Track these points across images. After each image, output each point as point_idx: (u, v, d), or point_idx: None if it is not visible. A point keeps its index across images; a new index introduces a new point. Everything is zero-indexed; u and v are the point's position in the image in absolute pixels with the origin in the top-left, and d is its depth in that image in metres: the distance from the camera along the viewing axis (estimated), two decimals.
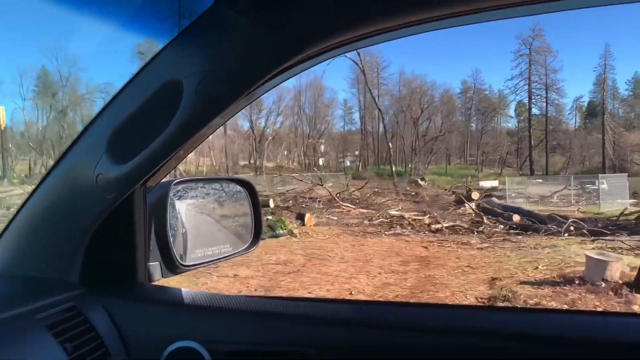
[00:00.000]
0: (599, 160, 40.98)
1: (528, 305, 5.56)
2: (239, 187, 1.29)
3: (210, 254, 1.18)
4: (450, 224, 12.68)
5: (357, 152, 48.96)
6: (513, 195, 21.52)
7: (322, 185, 18.15)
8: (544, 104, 44.03)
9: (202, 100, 0.84)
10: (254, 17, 0.81)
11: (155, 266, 1.09)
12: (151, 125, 0.88)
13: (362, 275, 7.50)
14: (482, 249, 9.69)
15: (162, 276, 1.10)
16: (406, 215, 13.69)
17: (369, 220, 13.81)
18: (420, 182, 28.55)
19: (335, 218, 14.85)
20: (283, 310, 1.01)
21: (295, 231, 11.47)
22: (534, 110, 44.52)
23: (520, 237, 10.81)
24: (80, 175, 0.96)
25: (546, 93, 43.26)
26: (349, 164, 47.13)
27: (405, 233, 11.88)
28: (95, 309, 0.97)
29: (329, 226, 13.12)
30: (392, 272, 7.69)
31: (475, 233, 11.58)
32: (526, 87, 44.34)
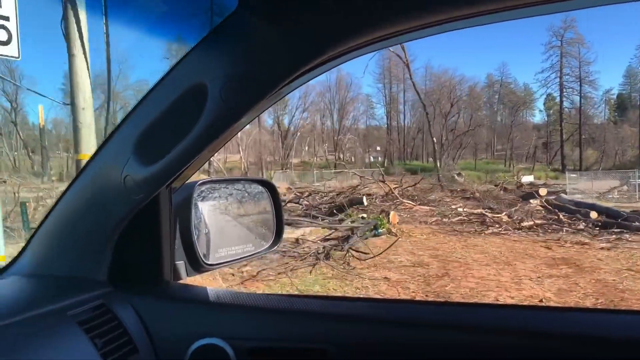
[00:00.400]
0: (633, 154, 40.19)
1: None
2: (260, 188, 1.32)
3: (233, 253, 1.20)
4: (539, 221, 12.17)
5: (378, 148, 48.51)
6: (572, 191, 20.98)
7: (383, 181, 17.57)
8: (576, 97, 43.12)
9: (226, 103, 0.86)
10: (275, 20, 0.82)
11: (180, 265, 1.11)
12: (177, 128, 0.89)
13: (526, 280, 7.04)
14: (607, 248, 9.16)
15: (187, 275, 1.13)
16: (488, 213, 13.13)
17: (447, 218, 13.36)
18: (456, 177, 27.82)
19: (406, 215, 14.26)
20: (304, 308, 1.03)
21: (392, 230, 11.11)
22: (565, 104, 43.82)
23: (627, 235, 10.11)
24: (108, 176, 0.98)
25: (580, 86, 42.04)
26: (372, 159, 46.67)
27: (502, 232, 11.36)
28: (123, 306, 1.00)
29: (413, 224, 12.68)
30: (551, 277, 7.23)
31: (564, 231, 11.01)
32: (557, 79, 43.55)
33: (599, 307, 5.52)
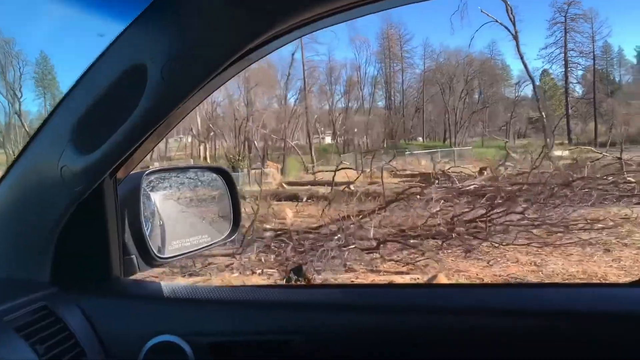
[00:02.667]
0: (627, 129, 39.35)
1: None
2: (214, 175, 1.27)
3: (188, 245, 1.15)
4: None
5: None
6: None
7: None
8: (580, 72, 42.52)
9: (167, 83, 0.81)
10: None
11: (132, 260, 1.05)
12: (116, 112, 0.84)
13: None
14: None
15: (139, 270, 1.07)
16: None
17: None
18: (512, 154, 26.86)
19: None
20: (265, 299, 1.00)
21: None
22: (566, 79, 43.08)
23: None
24: (44, 168, 0.92)
25: (594, 59, 41.06)
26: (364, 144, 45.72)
27: None
28: (68, 307, 0.94)
29: None
30: None
31: None
32: (561, 55, 42.84)
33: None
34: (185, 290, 1.03)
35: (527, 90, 43.90)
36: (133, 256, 1.05)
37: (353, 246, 6.84)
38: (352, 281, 6.11)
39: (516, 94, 45.00)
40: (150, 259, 1.06)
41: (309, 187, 15.79)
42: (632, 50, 44.57)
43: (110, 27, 0.86)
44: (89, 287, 0.99)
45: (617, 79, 43.74)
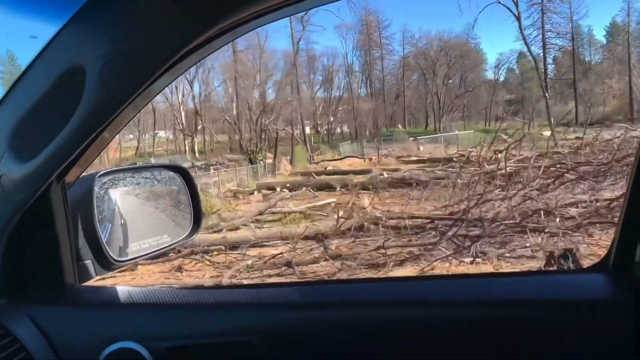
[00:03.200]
0: (603, 109, 40.02)
1: None
2: (172, 174, 1.24)
3: (147, 247, 1.13)
4: None
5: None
6: None
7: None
8: (558, 52, 42.90)
9: (108, 85, 0.78)
10: None
11: (88, 265, 1.02)
12: (56, 116, 0.81)
13: None
14: None
15: (96, 274, 1.04)
16: None
17: None
18: (503, 136, 26.29)
19: None
20: (221, 300, 0.99)
21: None
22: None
23: None
24: None
25: (573, 41, 41.19)
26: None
27: None
28: (18, 319, 0.91)
29: None
30: None
31: None
32: (539, 37, 43.19)
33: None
34: (142, 294, 1.01)
35: (506, 74, 44.42)
36: (88, 261, 1.02)
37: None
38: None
39: (496, 77, 45.34)
40: (107, 263, 1.03)
41: (339, 176, 15.52)
42: (601, 30, 45.23)
43: (44, 27, 0.82)
44: (41, 296, 0.97)
45: (587, 59, 44.20)
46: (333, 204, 11.28)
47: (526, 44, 37.66)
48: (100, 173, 1.06)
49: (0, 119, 0.86)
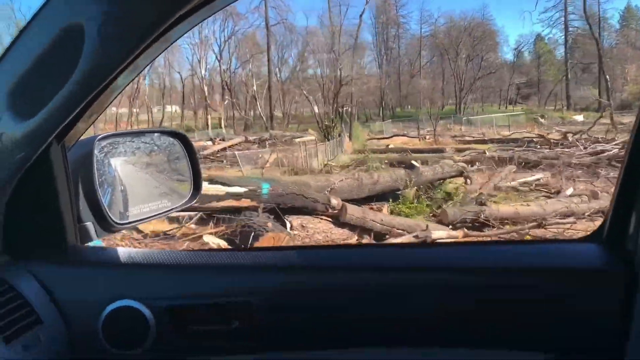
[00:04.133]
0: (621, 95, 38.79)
1: None
2: (171, 139, 1.24)
3: (147, 211, 1.14)
4: None
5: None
6: None
7: None
8: (579, 37, 41.44)
9: (105, 45, 0.77)
10: None
11: (89, 227, 1.04)
12: (54, 75, 0.81)
13: None
14: None
15: (98, 236, 1.06)
16: None
17: None
18: (541, 120, 25.39)
19: None
20: (221, 262, 1.01)
21: None
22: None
23: None
24: None
25: (599, 22, 39.34)
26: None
27: None
28: (21, 276, 0.93)
29: None
30: None
31: None
32: (562, 19, 41.87)
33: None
34: (142, 255, 1.03)
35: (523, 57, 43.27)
36: (89, 223, 1.04)
37: None
38: None
39: (515, 59, 44.22)
40: (107, 225, 1.05)
41: (420, 154, 14.87)
42: (616, 15, 43.59)
43: None
44: (43, 255, 0.99)
45: (604, 44, 42.94)
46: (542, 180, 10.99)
47: (588, 24, 35.83)
48: (100, 136, 1.07)
49: (0, 76, 0.86)
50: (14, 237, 0.97)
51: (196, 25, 0.89)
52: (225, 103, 35.13)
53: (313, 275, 0.97)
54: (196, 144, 19.21)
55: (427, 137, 22.16)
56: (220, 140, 23.48)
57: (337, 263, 1.01)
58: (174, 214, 6.39)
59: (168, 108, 36.96)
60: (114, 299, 0.94)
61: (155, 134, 1.31)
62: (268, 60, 35.05)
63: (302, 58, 37.19)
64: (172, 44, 0.92)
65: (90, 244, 1.06)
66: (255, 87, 35.47)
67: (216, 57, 34.74)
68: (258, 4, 33.76)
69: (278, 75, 37.38)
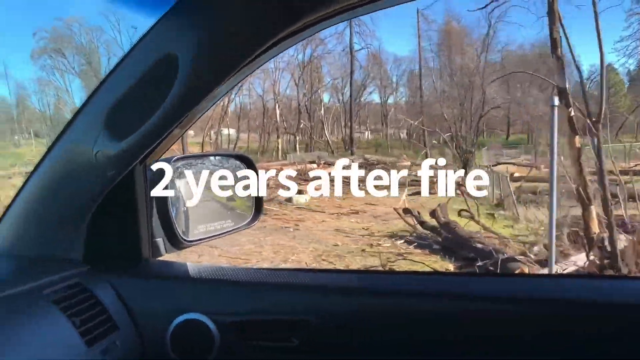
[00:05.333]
0: None
1: None
2: (238, 163, 1.31)
3: (212, 229, 1.20)
4: None
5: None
6: None
7: None
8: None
9: (197, 73, 0.84)
10: None
11: (158, 242, 1.10)
12: (149, 100, 0.87)
13: None
14: None
15: (166, 252, 1.12)
16: None
17: None
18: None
19: None
20: (285, 281, 1.04)
21: None
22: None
23: None
24: (79, 152, 0.95)
25: None
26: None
27: None
28: (100, 285, 0.98)
29: None
30: None
31: None
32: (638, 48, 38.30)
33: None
34: (210, 271, 1.07)
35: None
36: (160, 239, 1.10)
37: None
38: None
39: (586, 89, 40.63)
40: (176, 242, 1.11)
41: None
42: None
43: (143, 19, 0.89)
44: (120, 266, 1.05)
45: None
46: None
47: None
48: (176, 158, 1.14)
49: (100, 100, 0.94)
50: (94, 248, 1.03)
51: (284, 51, 0.93)
52: (301, 126, 34.70)
53: (373, 298, 0.98)
54: (294, 167, 18.82)
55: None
56: (324, 163, 22.20)
57: (398, 288, 1.01)
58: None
59: (225, 131, 36.22)
60: (182, 311, 0.98)
61: (223, 157, 1.38)
62: (351, 84, 34.61)
63: (385, 82, 36.39)
64: (255, 69, 0.98)
65: (160, 258, 1.11)
66: (332, 111, 35.25)
67: (295, 81, 34.43)
68: (342, 29, 33.25)
69: (360, 99, 36.63)
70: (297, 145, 33.74)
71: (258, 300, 1.00)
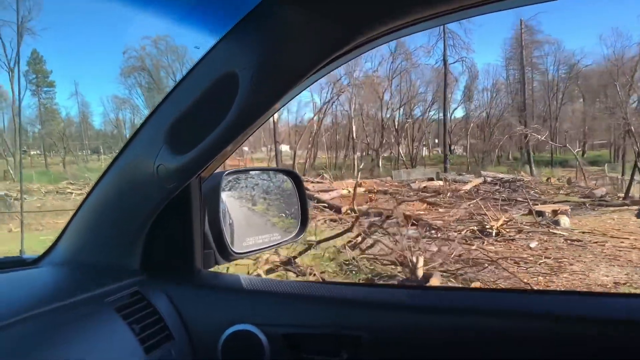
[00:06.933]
0: None
1: None
2: (285, 177, 1.34)
3: (260, 242, 1.22)
4: None
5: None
6: None
7: None
8: None
9: (257, 91, 0.86)
10: (303, 7, 0.82)
11: (209, 254, 1.12)
12: (209, 117, 0.90)
13: None
14: None
15: (216, 263, 1.14)
16: None
17: None
18: None
19: None
20: (336, 295, 1.04)
21: None
22: None
23: None
24: (141, 165, 0.99)
25: None
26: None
27: None
28: (157, 294, 1.02)
29: None
30: None
31: None
32: None
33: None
34: (260, 283, 1.09)
35: None
36: (212, 250, 1.13)
37: None
38: None
39: None
40: (227, 254, 1.13)
41: None
42: None
43: (205, 39, 0.94)
44: (175, 277, 1.08)
45: None
46: None
47: None
48: (228, 172, 1.18)
49: (162, 115, 0.98)
50: (151, 258, 1.07)
51: (335, 69, 0.96)
52: (384, 141, 33.94)
53: (425, 316, 0.97)
54: (428, 184, 18.40)
55: None
56: (453, 180, 20.63)
57: (451, 305, 1.00)
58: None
59: (281, 147, 35.67)
60: (234, 322, 1.00)
61: (272, 172, 1.42)
62: (444, 98, 33.64)
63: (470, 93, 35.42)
64: (309, 86, 1.01)
65: (212, 269, 1.14)
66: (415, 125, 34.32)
67: (379, 97, 33.66)
68: (435, 42, 32.36)
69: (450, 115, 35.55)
70: (380, 162, 32.88)
71: (309, 314, 1.01)
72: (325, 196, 15.31)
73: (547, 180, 20.55)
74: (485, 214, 10.03)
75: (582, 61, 36.84)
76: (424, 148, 35.46)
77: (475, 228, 9.42)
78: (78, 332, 0.84)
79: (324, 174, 23.45)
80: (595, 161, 28.83)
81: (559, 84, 37.96)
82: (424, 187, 18.31)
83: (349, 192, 15.99)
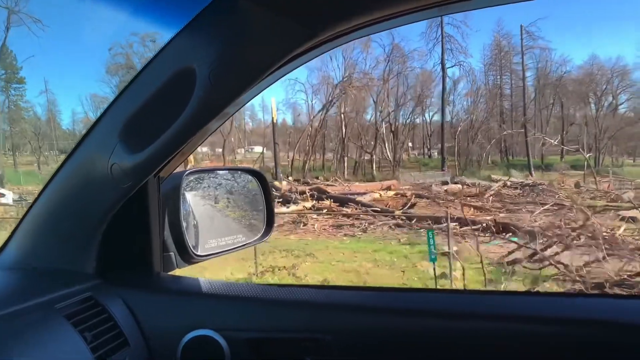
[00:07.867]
0: None
1: None
2: (250, 177, 1.30)
3: (223, 244, 1.19)
4: None
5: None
6: None
7: None
8: None
9: (214, 87, 0.83)
10: (266, 2, 0.79)
11: (170, 256, 1.09)
12: (165, 113, 0.87)
13: None
14: None
15: (177, 266, 1.11)
16: None
17: None
18: None
19: None
20: (298, 298, 1.02)
21: None
22: None
23: None
24: (94, 165, 0.95)
25: None
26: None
27: None
28: (112, 299, 0.98)
29: None
30: None
31: None
32: None
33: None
34: (222, 287, 1.06)
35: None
36: (172, 253, 1.09)
37: None
38: None
39: None
40: (187, 256, 1.10)
41: None
42: None
43: (162, 33, 0.91)
44: (132, 280, 1.04)
45: None
46: None
47: None
48: (188, 171, 1.14)
49: (116, 113, 0.94)
50: (106, 262, 1.03)
51: (297, 67, 0.94)
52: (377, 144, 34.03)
53: (388, 317, 0.96)
54: (449, 187, 18.09)
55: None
56: (458, 182, 21.01)
57: (413, 307, 0.99)
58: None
59: (256, 148, 36.20)
60: (193, 327, 0.97)
61: (235, 171, 1.38)
62: (442, 101, 34.06)
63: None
64: (270, 85, 0.97)
65: (171, 272, 1.10)
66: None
67: (374, 99, 33.96)
68: (432, 47, 33.07)
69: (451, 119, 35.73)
70: (373, 165, 32.94)
71: (270, 317, 0.99)
72: (363, 200, 15.34)
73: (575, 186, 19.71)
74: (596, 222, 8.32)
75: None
76: (403, 152, 35.80)
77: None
78: (24, 341, 0.79)
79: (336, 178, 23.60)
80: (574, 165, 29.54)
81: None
82: (445, 190, 18.36)
83: (380, 195, 16.33)
